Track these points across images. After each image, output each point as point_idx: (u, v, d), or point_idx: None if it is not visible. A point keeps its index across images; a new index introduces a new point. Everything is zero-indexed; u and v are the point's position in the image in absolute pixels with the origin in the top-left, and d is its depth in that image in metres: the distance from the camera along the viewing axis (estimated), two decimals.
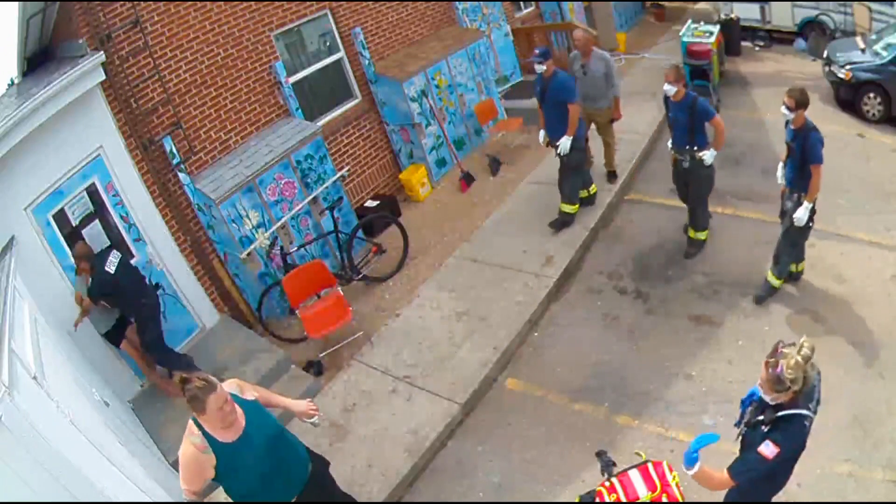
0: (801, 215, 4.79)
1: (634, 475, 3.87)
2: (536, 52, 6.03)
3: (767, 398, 2.74)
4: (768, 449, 2.71)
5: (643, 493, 3.76)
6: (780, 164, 5.08)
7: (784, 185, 5.05)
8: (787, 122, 4.83)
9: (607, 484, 3.87)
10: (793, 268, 5.37)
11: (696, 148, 5.51)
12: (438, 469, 4.54)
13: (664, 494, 3.74)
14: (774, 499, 3.75)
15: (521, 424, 4.69)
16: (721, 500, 3.76)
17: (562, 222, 6.56)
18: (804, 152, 4.65)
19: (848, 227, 5.91)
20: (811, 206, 4.78)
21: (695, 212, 5.91)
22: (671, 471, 3.86)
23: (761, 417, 2.82)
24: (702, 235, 6.01)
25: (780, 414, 2.71)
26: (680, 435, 4.31)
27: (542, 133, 6.47)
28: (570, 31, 10.03)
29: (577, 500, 3.96)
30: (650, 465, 3.90)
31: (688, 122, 5.44)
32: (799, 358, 2.62)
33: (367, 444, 4.68)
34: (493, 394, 5.04)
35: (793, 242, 5.10)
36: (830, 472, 3.85)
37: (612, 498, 3.79)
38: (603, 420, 4.59)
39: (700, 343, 5.04)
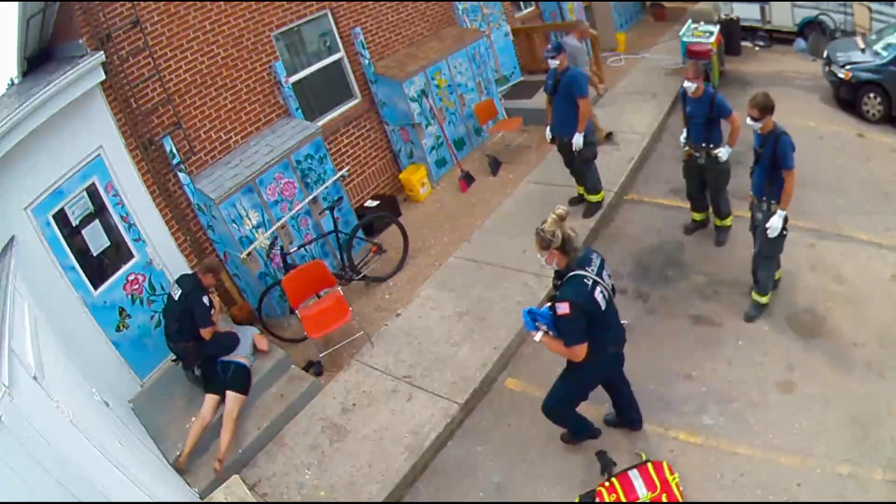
0: (775, 224, 4.61)
1: (634, 475, 3.88)
2: (549, 47, 6.13)
3: (544, 260, 3.40)
4: (561, 307, 3.31)
5: (643, 493, 3.77)
6: (750, 172, 4.89)
7: (752, 194, 4.88)
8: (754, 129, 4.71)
9: (607, 484, 3.88)
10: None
11: (711, 144, 5.56)
12: (438, 469, 4.53)
13: (664, 494, 3.76)
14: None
15: (521, 424, 4.68)
16: (720, 499, 3.78)
17: (592, 211, 6.72)
18: (775, 157, 4.49)
19: (848, 227, 5.91)
20: (785, 214, 4.61)
21: (716, 204, 6.00)
22: (671, 471, 3.87)
23: (555, 293, 3.44)
24: (728, 222, 6.13)
25: (562, 280, 3.40)
26: (680, 435, 4.30)
27: (548, 129, 6.51)
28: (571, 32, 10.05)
29: (577, 500, 3.97)
30: (650, 465, 3.91)
31: (705, 118, 5.47)
32: (554, 216, 3.30)
33: (367, 444, 4.68)
34: (493, 394, 5.03)
35: (769, 256, 4.88)
36: (830, 472, 3.85)
37: (612, 498, 3.80)
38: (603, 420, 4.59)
39: (700, 343, 5.03)
